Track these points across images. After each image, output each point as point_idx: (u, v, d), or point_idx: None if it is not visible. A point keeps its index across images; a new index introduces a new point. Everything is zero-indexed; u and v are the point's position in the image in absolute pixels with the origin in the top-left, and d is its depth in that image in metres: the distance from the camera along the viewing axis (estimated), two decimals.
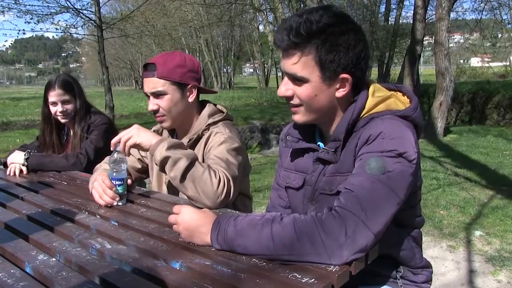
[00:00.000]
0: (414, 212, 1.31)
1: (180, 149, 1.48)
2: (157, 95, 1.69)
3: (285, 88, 1.23)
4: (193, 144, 1.73)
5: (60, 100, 2.44)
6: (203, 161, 1.69)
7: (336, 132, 1.23)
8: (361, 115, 1.21)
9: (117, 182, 1.59)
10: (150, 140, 1.52)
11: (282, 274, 0.98)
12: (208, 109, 1.79)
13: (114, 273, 1.05)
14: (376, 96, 1.23)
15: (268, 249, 1.04)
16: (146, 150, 1.55)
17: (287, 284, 0.95)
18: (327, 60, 1.15)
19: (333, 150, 1.24)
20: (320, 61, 1.16)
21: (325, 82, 1.18)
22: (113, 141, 1.57)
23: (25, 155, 2.30)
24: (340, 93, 1.21)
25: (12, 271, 1.08)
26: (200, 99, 1.85)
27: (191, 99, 1.75)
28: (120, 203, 1.60)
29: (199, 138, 1.73)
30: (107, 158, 1.91)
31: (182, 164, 1.43)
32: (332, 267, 1.00)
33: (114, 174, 1.59)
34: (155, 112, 1.72)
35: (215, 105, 1.85)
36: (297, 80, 1.20)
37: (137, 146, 1.55)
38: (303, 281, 0.94)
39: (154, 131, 1.88)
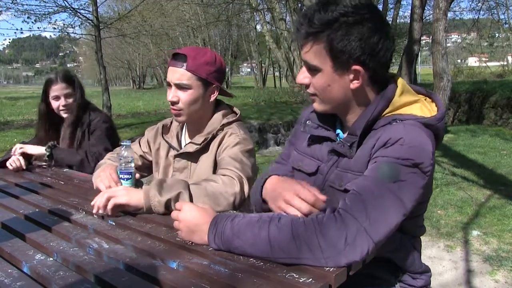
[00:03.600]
0: (418, 222, 1.29)
1: (169, 187, 1.44)
2: (181, 87, 1.67)
3: (303, 76, 1.22)
4: (207, 144, 1.73)
5: (63, 93, 2.49)
6: (215, 159, 1.70)
7: (354, 127, 1.20)
8: (383, 113, 1.18)
9: (126, 176, 1.59)
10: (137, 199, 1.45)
11: (280, 274, 0.98)
12: (222, 109, 1.80)
13: (111, 272, 1.05)
14: (403, 97, 1.18)
15: (266, 252, 1.03)
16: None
17: (284, 284, 0.95)
18: (338, 49, 1.12)
19: (349, 144, 1.20)
20: (331, 51, 1.13)
21: (337, 72, 1.16)
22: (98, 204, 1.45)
23: (47, 147, 2.35)
24: (354, 85, 1.17)
25: (9, 270, 1.08)
26: None
27: (211, 99, 1.75)
28: None
29: (213, 137, 1.74)
30: (109, 154, 1.94)
31: (185, 197, 1.42)
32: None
33: (123, 168, 1.59)
34: (173, 103, 1.70)
35: (229, 106, 1.86)
36: (311, 69, 1.19)
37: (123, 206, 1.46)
38: (301, 281, 0.95)
39: (163, 125, 1.89)
